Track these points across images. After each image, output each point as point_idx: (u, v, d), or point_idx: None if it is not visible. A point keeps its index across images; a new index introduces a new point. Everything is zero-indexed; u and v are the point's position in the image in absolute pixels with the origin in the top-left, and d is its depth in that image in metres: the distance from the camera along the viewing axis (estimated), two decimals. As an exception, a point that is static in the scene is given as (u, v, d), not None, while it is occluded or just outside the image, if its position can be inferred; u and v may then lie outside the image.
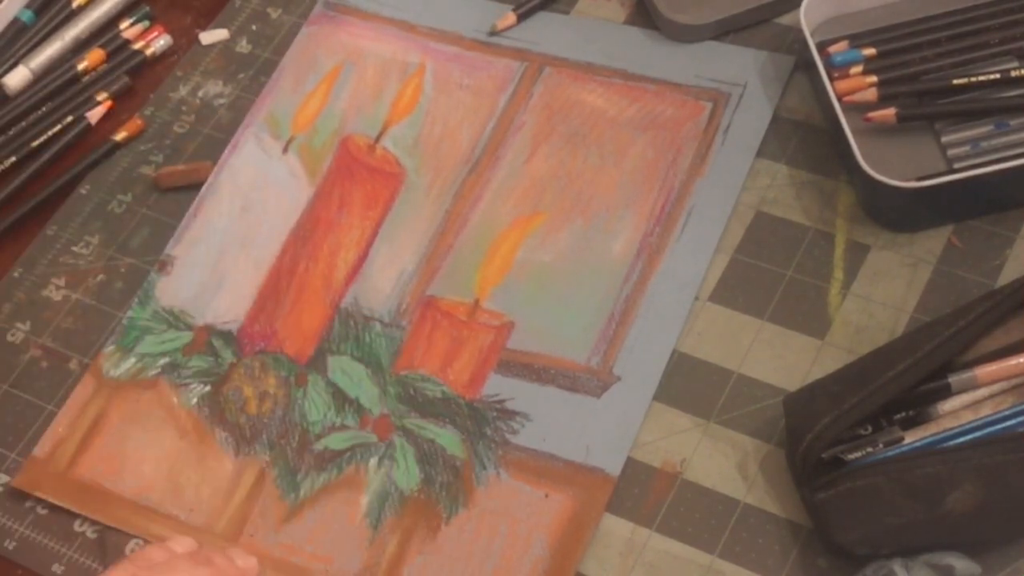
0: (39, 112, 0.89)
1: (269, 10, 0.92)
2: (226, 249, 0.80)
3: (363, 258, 0.79)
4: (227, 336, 0.77)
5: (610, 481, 0.70)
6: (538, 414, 0.72)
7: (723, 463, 0.70)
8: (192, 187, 0.83)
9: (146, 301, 0.79)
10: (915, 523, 0.63)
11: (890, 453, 0.65)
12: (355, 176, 0.82)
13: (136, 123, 0.87)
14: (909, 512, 0.62)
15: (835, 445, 0.65)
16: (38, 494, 0.73)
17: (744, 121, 0.80)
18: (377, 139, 0.84)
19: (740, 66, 0.82)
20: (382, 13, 0.89)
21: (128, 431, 0.74)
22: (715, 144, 0.79)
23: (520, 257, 0.78)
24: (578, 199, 0.79)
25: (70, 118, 0.88)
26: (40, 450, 0.74)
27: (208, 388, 0.75)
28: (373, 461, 0.72)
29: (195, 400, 0.75)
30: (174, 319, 0.78)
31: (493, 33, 0.87)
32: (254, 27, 0.92)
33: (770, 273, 0.75)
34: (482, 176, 0.81)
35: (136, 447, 0.74)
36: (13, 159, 0.87)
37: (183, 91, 0.89)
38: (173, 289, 0.79)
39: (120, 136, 0.87)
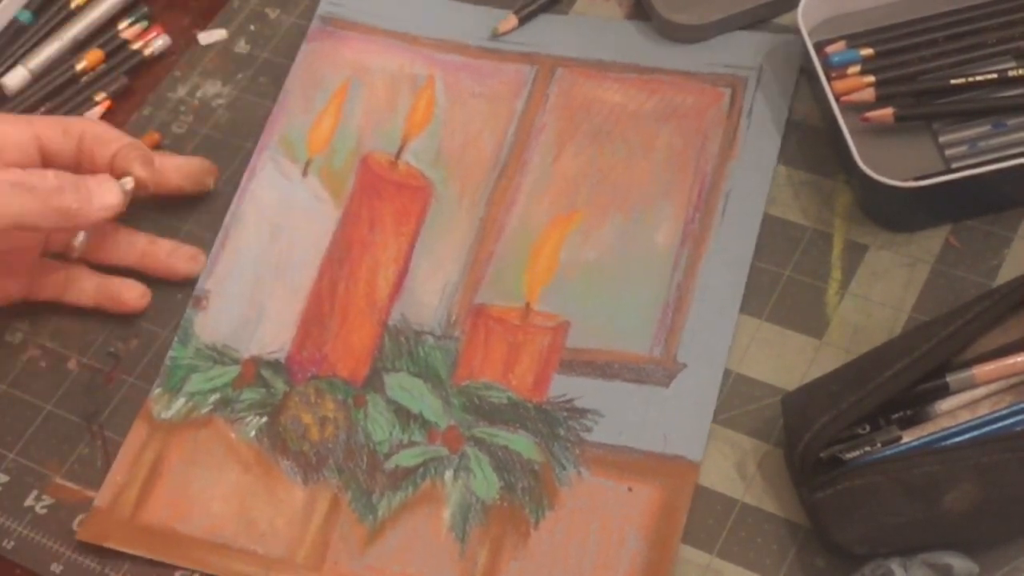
0: (38, 112, 0.89)
1: (268, 10, 0.92)
2: (261, 278, 0.79)
3: (404, 274, 0.78)
4: (276, 366, 0.76)
5: (693, 467, 0.69)
6: (609, 409, 0.72)
7: (721, 462, 0.70)
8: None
9: (187, 340, 0.77)
10: (913, 522, 0.63)
11: (888, 452, 0.65)
12: (382, 194, 0.81)
13: (152, 137, 0.86)
14: (907, 511, 0.62)
15: (833, 444, 0.65)
16: (109, 545, 0.71)
17: (766, 101, 0.80)
18: (398, 154, 0.83)
19: (752, 50, 0.83)
20: (381, 26, 0.88)
21: (190, 471, 0.73)
22: (741, 127, 0.80)
23: (564, 256, 0.77)
24: (614, 194, 0.79)
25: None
26: (101, 500, 0.73)
27: (265, 419, 0.74)
28: (448, 474, 0.71)
29: (253, 433, 0.74)
30: (218, 354, 0.77)
31: (495, 37, 0.86)
32: (252, 27, 0.92)
33: (768, 273, 0.75)
34: (512, 180, 0.81)
35: (201, 486, 0.72)
36: (12, 159, 0.87)
37: (181, 91, 0.89)
38: (213, 324, 0.78)
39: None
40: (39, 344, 0.80)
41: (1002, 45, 0.79)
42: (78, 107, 0.88)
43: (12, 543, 0.73)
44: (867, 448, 0.65)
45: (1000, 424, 0.65)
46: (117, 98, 0.90)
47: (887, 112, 0.76)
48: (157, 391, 0.76)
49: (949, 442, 0.65)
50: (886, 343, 0.68)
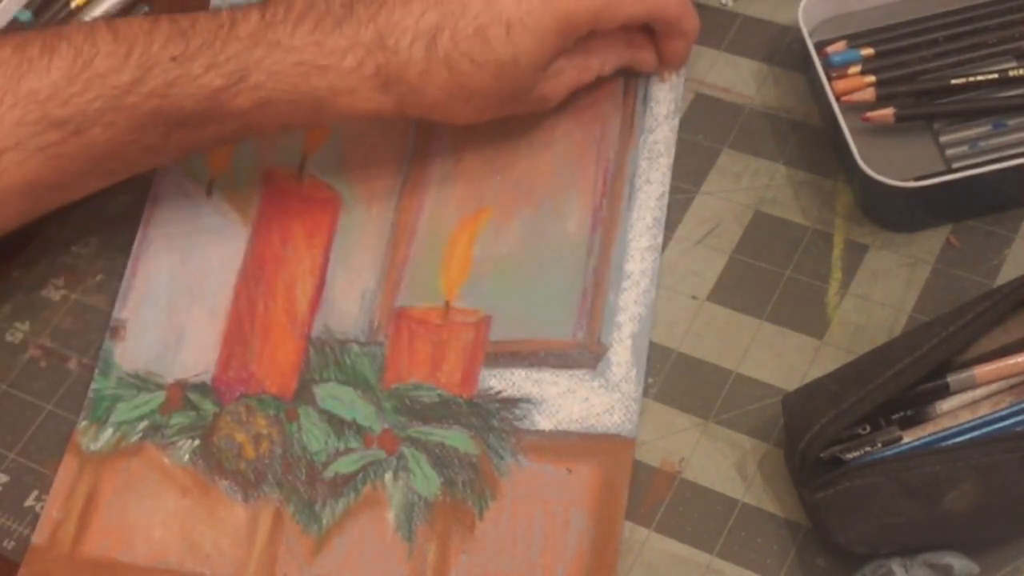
0: (38, 112, 0.89)
1: (268, 10, 0.92)
2: (177, 303, 0.78)
3: (321, 286, 0.78)
4: (202, 388, 0.75)
5: (628, 443, 0.70)
6: (539, 396, 0.72)
7: (721, 462, 0.70)
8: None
9: (107, 370, 0.76)
10: (913, 522, 0.63)
11: (888, 452, 0.65)
12: (289, 209, 0.80)
13: None
14: (907, 511, 0.62)
15: (833, 444, 0.65)
16: None
17: (660, 85, 0.81)
18: (301, 167, 0.82)
19: None
20: None
21: (126, 500, 0.72)
22: (638, 113, 0.81)
23: (478, 253, 0.78)
24: (518, 189, 0.79)
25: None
26: (39, 538, 0.72)
27: (197, 442, 0.73)
28: (388, 476, 0.71)
29: (187, 456, 0.73)
30: (142, 382, 0.76)
31: None
32: (253, 27, 0.91)
33: (768, 273, 0.75)
34: (417, 185, 0.80)
35: (139, 514, 0.72)
36: (12, 159, 0.87)
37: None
38: (132, 352, 0.77)
39: None
40: (39, 344, 0.80)
41: (1002, 45, 0.79)
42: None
43: (12, 543, 0.73)
44: (867, 448, 0.65)
45: (1001, 424, 0.65)
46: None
47: (887, 112, 0.76)
48: (83, 423, 0.75)
49: (950, 442, 0.65)
50: (886, 343, 0.68)
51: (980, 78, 0.77)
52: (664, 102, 0.81)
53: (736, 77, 0.84)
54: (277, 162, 0.83)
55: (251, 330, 0.77)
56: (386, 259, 0.78)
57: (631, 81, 0.82)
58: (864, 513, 0.63)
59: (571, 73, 0.78)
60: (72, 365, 0.78)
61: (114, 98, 0.70)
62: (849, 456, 0.65)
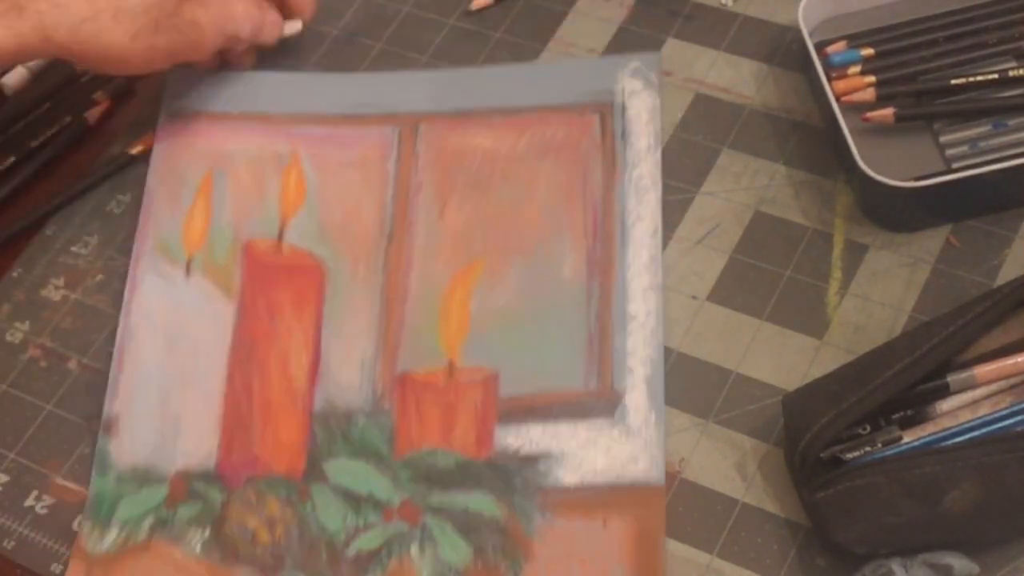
0: (38, 112, 0.89)
1: (268, 10, 0.92)
2: (168, 391, 0.75)
3: (317, 358, 0.75)
4: (207, 476, 0.72)
5: (658, 491, 0.68)
6: (559, 451, 0.70)
7: (722, 462, 0.70)
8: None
9: (105, 469, 0.73)
10: (913, 522, 0.63)
11: (888, 452, 0.65)
12: (272, 280, 0.78)
13: (151, 139, 0.86)
14: (907, 511, 0.62)
15: (834, 444, 0.65)
16: None
17: (637, 120, 0.80)
18: (279, 237, 0.80)
19: (611, 73, 0.82)
20: (231, 110, 0.85)
21: None
22: (618, 150, 0.79)
23: (475, 308, 0.76)
24: (508, 238, 0.78)
25: (69, 118, 0.88)
26: None
27: (208, 532, 0.71)
28: (414, 548, 0.69)
29: (199, 548, 0.70)
30: (143, 476, 0.73)
31: (470, 13, 0.86)
32: (253, 27, 0.91)
33: (768, 273, 0.76)
34: (403, 244, 0.78)
35: None
36: (12, 159, 0.87)
37: (182, 91, 0.89)
38: (129, 447, 0.74)
39: (136, 150, 0.85)
40: (39, 344, 0.80)
41: (1002, 45, 0.79)
42: (78, 106, 0.88)
43: (12, 543, 0.73)
44: (868, 448, 0.65)
45: (1000, 424, 0.65)
46: (117, 98, 0.90)
47: (887, 112, 0.76)
48: (86, 526, 0.71)
49: (950, 442, 0.65)
50: (886, 343, 0.68)
51: (980, 78, 0.77)
52: (643, 135, 0.80)
53: (736, 77, 0.84)
54: (254, 234, 0.80)
55: (250, 411, 0.74)
56: (381, 323, 0.76)
57: (606, 118, 0.81)
58: (864, 513, 0.63)
59: (219, 5, 0.79)
60: (72, 365, 0.78)
61: None
62: (849, 456, 0.65)
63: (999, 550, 0.65)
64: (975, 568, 0.63)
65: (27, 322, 0.80)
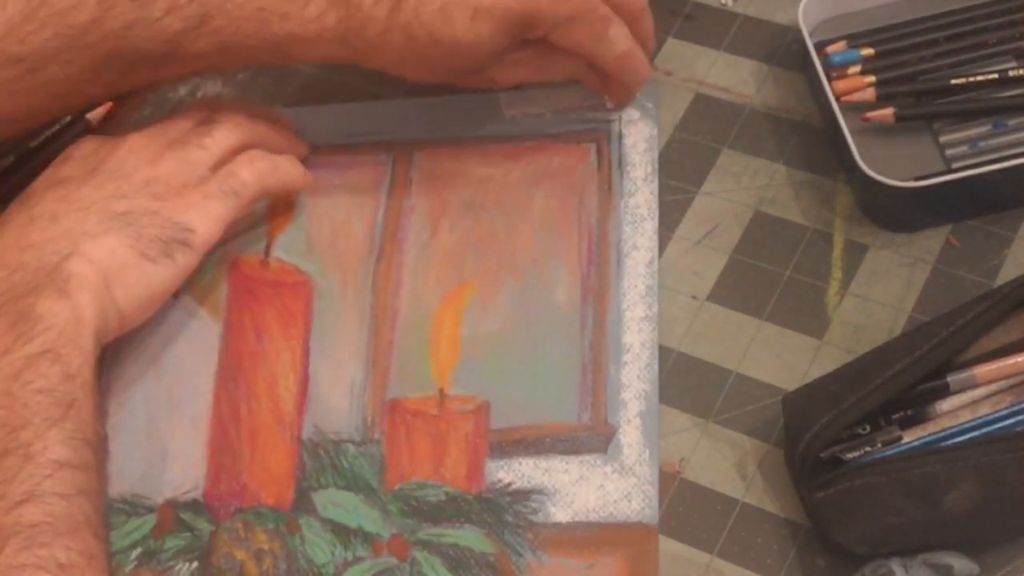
0: (38, 112, 0.89)
1: (268, 10, 0.92)
2: (155, 416, 0.74)
3: (305, 381, 0.74)
4: (195, 506, 0.71)
5: (651, 531, 0.67)
6: (551, 487, 0.69)
7: (722, 463, 0.70)
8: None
9: None
10: (913, 522, 0.63)
11: (888, 452, 0.65)
12: (258, 297, 0.77)
13: None
14: (907, 511, 0.62)
15: (834, 444, 0.65)
16: None
17: (634, 149, 0.80)
18: (266, 253, 0.79)
19: (606, 98, 0.82)
20: None
21: None
22: (614, 178, 0.79)
23: (466, 332, 0.74)
24: (500, 260, 0.77)
25: (69, 118, 0.88)
26: None
27: (196, 564, 0.69)
28: None
29: None
30: (129, 506, 0.71)
31: None
32: (253, 27, 0.91)
33: (768, 273, 0.76)
34: (392, 262, 0.77)
35: None
36: (11, 158, 0.87)
37: (182, 91, 0.89)
38: (115, 475, 0.72)
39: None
40: (39, 344, 0.79)
41: (1002, 45, 0.79)
42: (78, 107, 0.88)
43: (12, 543, 0.73)
44: (867, 448, 0.65)
45: (1001, 424, 0.65)
46: (117, 98, 0.89)
47: (887, 112, 0.76)
48: None
49: (950, 442, 0.65)
50: (886, 343, 0.68)
51: (980, 78, 0.77)
52: (640, 165, 0.79)
53: (736, 77, 0.84)
54: (241, 250, 0.79)
55: (238, 437, 0.73)
56: (370, 346, 0.75)
57: (603, 147, 0.80)
58: (864, 513, 0.63)
59: (526, 66, 0.77)
60: (72, 365, 0.78)
61: (71, 37, 0.70)
62: (849, 456, 0.65)
63: (999, 550, 0.65)
64: (975, 568, 0.63)
65: (27, 322, 0.80)
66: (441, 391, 0.73)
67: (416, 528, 0.69)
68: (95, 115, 0.88)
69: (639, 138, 0.81)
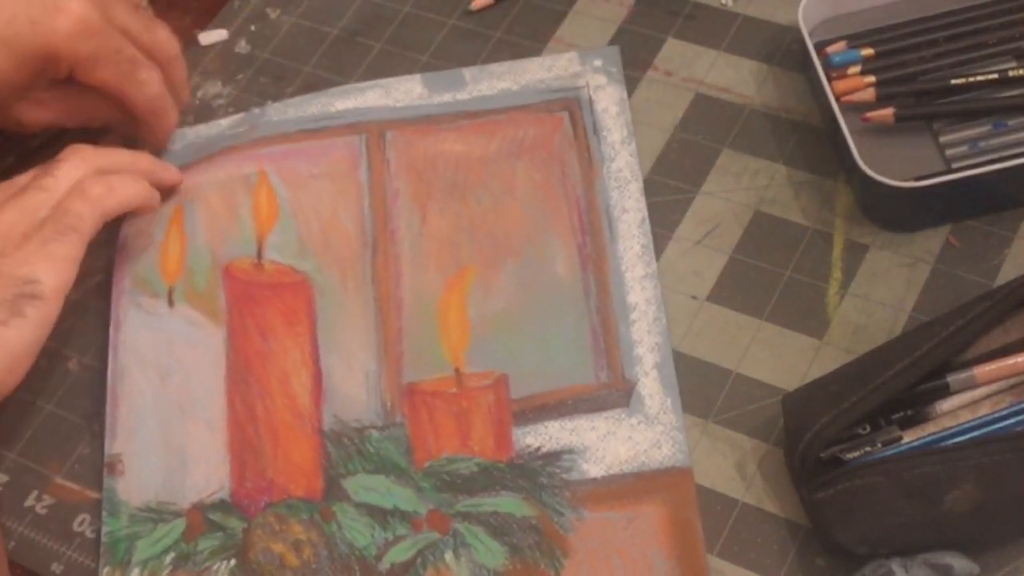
0: (38, 112, 0.89)
1: (268, 10, 0.92)
2: (169, 424, 0.74)
3: (318, 375, 0.74)
4: (223, 506, 0.71)
5: (686, 473, 0.69)
6: (581, 445, 0.70)
7: (721, 463, 0.70)
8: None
9: (115, 509, 0.72)
10: (914, 522, 0.63)
11: (888, 452, 0.65)
12: (258, 299, 0.77)
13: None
14: (908, 511, 0.62)
15: (834, 444, 0.65)
16: None
17: (606, 114, 0.81)
18: (259, 255, 0.79)
19: (571, 67, 0.83)
20: (195, 157, 0.83)
21: None
22: (592, 144, 0.80)
23: (473, 314, 0.75)
24: (495, 241, 0.77)
25: (68, 118, 0.88)
26: None
27: (233, 562, 0.69)
28: (449, 555, 0.68)
29: None
30: (156, 513, 0.71)
31: (470, 13, 0.87)
32: (253, 27, 0.92)
33: (768, 273, 0.76)
34: (388, 253, 0.78)
35: None
36: (11, 159, 0.87)
37: (182, 91, 0.89)
38: (137, 485, 0.72)
39: None
40: (39, 344, 0.79)
41: (1002, 45, 0.79)
42: (78, 107, 0.88)
43: (12, 543, 0.73)
44: (867, 448, 0.65)
45: (1001, 424, 0.65)
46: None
47: (887, 112, 0.76)
48: (106, 570, 0.70)
49: (950, 442, 0.65)
50: (887, 343, 0.68)
51: (980, 78, 0.77)
52: (615, 129, 0.80)
53: (736, 77, 0.84)
54: (232, 255, 0.79)
55: (257, 435, 0.73)
56: (379, 335, 0.75)
57: (576, 114, 0.81)
58: (864, 513, 0.63)
59: (56, 107, 0.78)
60: (72, 365, 0.78)
61: None
62: (849, 456, 0.65)
63: (999, 550, 0.65)
64: (975, 568, 0.63)
65: (27, 322, 0.80)
66: (457, 370, 0.74)
67: (452, 501, 0.70)
68: (95, 115, 0.88)
69: (610, 102, 0.81)
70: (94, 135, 0.82)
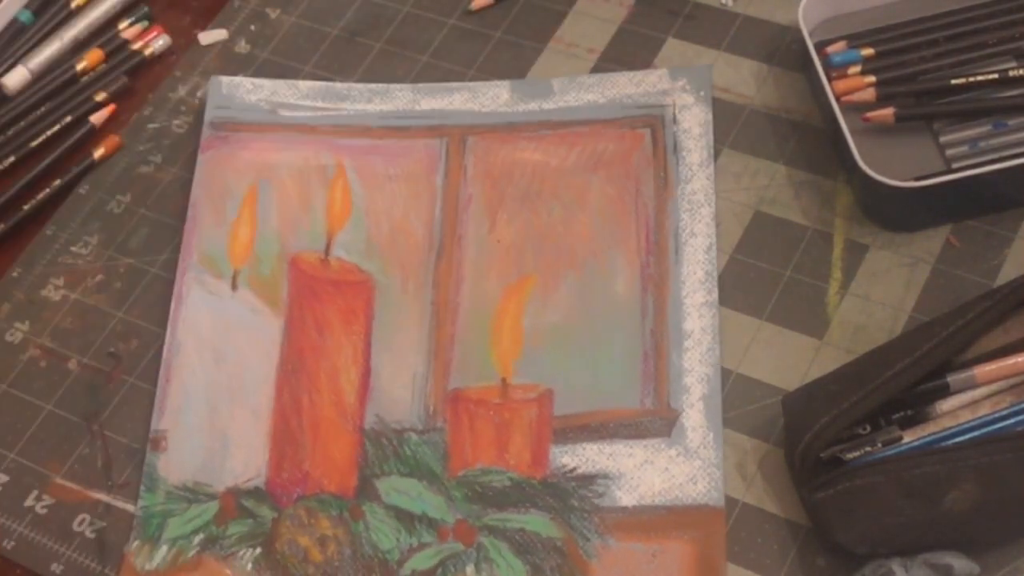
0: (38, 112, 0.89)
1: (268, 10, 0.92)
2: (216, 407, 0.75)
3: (367, 374, 0.75)
4: (257, 493, 0.72)
5: (718, 513, 0.68)
6: (616, 471, 0.70)
7: (722, 463, 0.70)
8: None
9: (153, 485, 0.73)
10: (914, 522, 0.63)
11: (889, 452, 0.65)
12: (320, 295, 0.78)
13: (113, 140, 0.86)
14: (908, 511, 0.62)
15: (834, 444, 0.65)
16: None
17: (689, 134, 0.80)
18: (326, 251, 0.79)
19: (661, 85, 0.82)
20: (275, 121, 0.85)
21: None
22: (670, 164, 0.79)
23: (528, 324, 0.75)
24: (559, 253, 0.77)
25: (69, 118, 0.88)
26: None
27: (259, 550, 0.70)
28: (470, 569, 0.68)
29: (250, 566, 0.70)
30: (192, 493, 0.72)
31: (470, 13, 0.87)
32: (253, 27, 0.92)
33: (769, 273, 0.75)
34: (452, 258, 0.78)
35: None
36: (12, 159, 0.87)
37: (182, 91, 0.89)
38: (177, 464, 0.73)
39: (98, 154, 0.86)
40: (39, 344, 0.80)
41: (1002, 45, 0.79)
42: (79, 107, 0.88)
43: (12, 543, 0.73)
44: (868, 448, 0.65)
45: (1001, 424, 0.65)
46: (118, 98, 0.90)
47: (887, 112, 0.76)
48: (135, 543, 0.71)
49: (950, 442, 0.65)
50: (887, 343, 0.68)
51: (980, 78, 0.77)
52: (695, 150, 0.79)
53: (736, 77, 0.84)
54: (301, 247, 0.80)
55: (299, 427, 0.73)
56: (431, 339, 0.75)
57: (658, 132, 0.80)
58: (864, 513, 0.63)
59: None
60: (72, 365, 0.78)
61: None
62: (849, 456, 0.65)
63: (999, 550, 0.65)
64: (975, 568, 0.63)
65: (27, 322, 0.80)
66: (503, 380, 0.74)
67: (481, 514, 0.69)
68: (98, 117, 0.88)
69: (693, 123, 0.81)
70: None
